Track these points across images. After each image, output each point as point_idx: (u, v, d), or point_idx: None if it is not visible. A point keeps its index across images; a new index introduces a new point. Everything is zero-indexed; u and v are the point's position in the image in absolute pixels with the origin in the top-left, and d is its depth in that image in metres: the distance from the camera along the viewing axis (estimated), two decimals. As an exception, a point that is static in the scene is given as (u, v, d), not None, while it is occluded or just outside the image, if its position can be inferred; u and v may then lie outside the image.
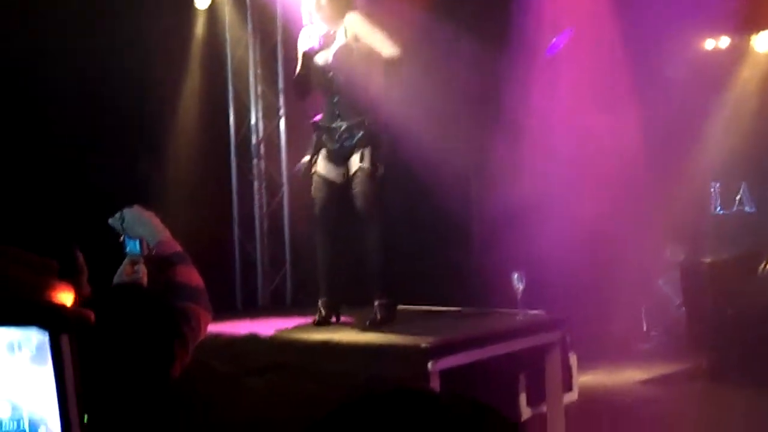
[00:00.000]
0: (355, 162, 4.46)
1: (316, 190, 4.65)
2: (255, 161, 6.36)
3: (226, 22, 6.26)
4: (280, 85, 6.26)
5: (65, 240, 2.01)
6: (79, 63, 5.12)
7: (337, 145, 4.53)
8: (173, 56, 5.92)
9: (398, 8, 5.85)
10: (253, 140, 6.36)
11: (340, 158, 4.55)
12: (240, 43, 6.29)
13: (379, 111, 4.52)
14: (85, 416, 1.32)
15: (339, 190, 4.57)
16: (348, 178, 4.52)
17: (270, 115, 6.34)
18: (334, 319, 4.65)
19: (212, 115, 6.22)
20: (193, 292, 2.06)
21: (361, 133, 4.47)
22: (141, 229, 2.24)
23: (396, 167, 5.16)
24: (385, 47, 4.41)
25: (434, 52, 5.94)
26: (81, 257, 2.00)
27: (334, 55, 4.47)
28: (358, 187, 4.45)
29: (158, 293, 1.95)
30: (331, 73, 4.51)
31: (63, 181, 5.10)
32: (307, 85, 4.64)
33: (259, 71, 6.29)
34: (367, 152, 4.46)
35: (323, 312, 4.63)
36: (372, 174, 4.45)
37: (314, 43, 4.57)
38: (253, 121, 6.36)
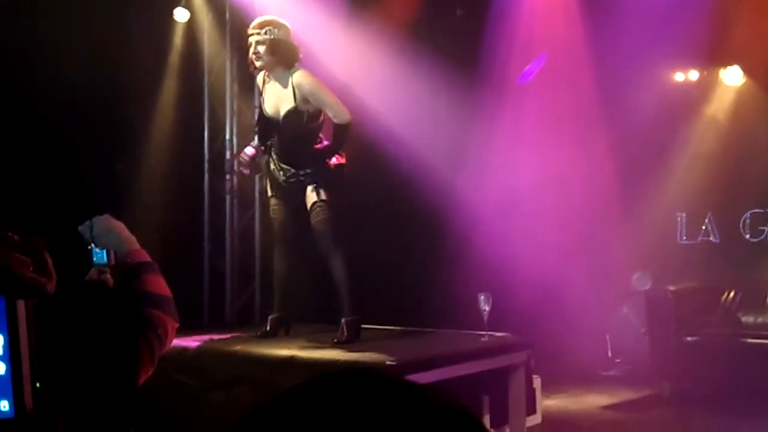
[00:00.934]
0: (311, 197, 4.60)
1: (274, 212, 4.88)
2: (228, 176, 6.37)
3: (205, 36, 6.30)
4: (256, 101, 6.29)
5: (35, 243, 2.02)
6: (56, 71, 5.13)
7: (286, 184, 4.71)
8: (151, 69, 5.94)
9: (378, 23, 5.95)
10: (227, 156, 6.37)
11: (292, 191, 4.72)
12: (217, 59, 6.32)
13: (323, 159, 4.64)
14: (37, 383, 1.33)
15: (295, 213, 4.71)
16: (305, 207, 4.62)
17: (245, 132, 6.37)
18: (283, 333, 4.79)
19: (187, 129, 6.24)
20: (161, 300, 2.08)
21: (308, 179, 4.65)
22: (110, 238, 2.25)
23: (360, 193, 5.25)
24: (336, 113, 4.53)
25: (407, 74, 6.03)
26: (50, 262, 2.02)
27: (284, 117, 4.58)
28: (318, 217, 4.57)
29: (125, 294, 1.96)
30: (279, 127, 4.63)
31: (34, 186, 5.09)
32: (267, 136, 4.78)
33: (235, 87, 6.32)
34: (318, 188, 4.62)
35: (269, 326, 4.75)
36: (329, 204, 4.59)
37: (264, 82, 4.71)
38: (227, 136, 6.38)
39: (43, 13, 5.16)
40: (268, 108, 4.67)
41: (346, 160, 4.75)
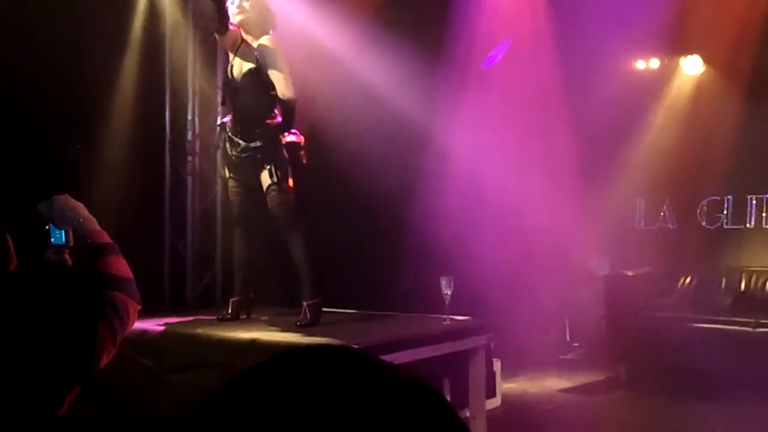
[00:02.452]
0: (265, 178, 4.56)
1: (233, 195, 4.83)
2: (189, 158, 6.31)
3: (166, 14, 6.21)
4: (219, 82, 6.23)
5: None
6: (14, 49, 5.03)
7: (237, 160, 4.66)
8: (111, 47, 5.85)
9: (343, 5, 5.92)
10: (189, 137, 6.31)
11: (246, 168, 4.66)
12: (179, 38, 6.24)
13: (275, 134, 4.59)
14: None
15: (254, 194, 4.66)
16: (261, 189, 4.60)
17: (206, 112, 6.30)
18: (244, 316, 4.78)
19: (148, 110, 6.15)
20: (122, 282, 2.07)
21: (259, 155, 4.58)
22: (69, 217, 2.23)
23: (323, 177, 5.24)
24: (282, 87, 4.50)
25: (371, 57, 6.02)
26: (11, 243, 1.99)
27: (243, 76, 4.56)
28: (274, 201, 4.55)
29: (84, 273, 1.94)
30: (235, 90, 4.59)
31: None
32: (226, 18, 4.61)
33: (197, 67, 6.25)
34: (272, 169, 4.56)
35: (231, 309, 4.75)
36: (283, 187, 4.56)
37: (238, 44, 4.63)
38: (189, 117, 6.31)
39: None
40: (234, 70, 4.65)
41: (305, 140, 4.73)
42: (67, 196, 2.27)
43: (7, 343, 1.58)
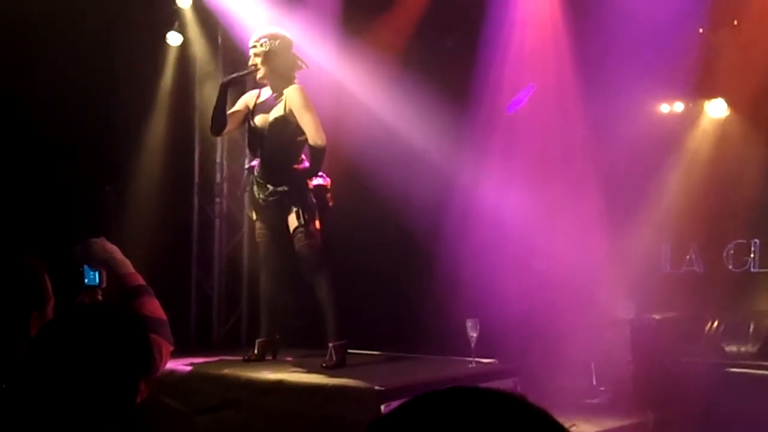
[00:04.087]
0: (292, 221, 4.61)
1: (259, 236, 4.90)
2: (217, 200, 6.39)
3: (197, 60, 6.34)
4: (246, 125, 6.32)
5: (35, 267, 2.03)
6: (50, 92, 5.15)
7: (264, 203, 4.72)
8: (143, 91, 5.98)
9: (369, 51, 6.01)
10: (217, 179, 6.39)
11: (273, 211, 4.72)
12: (209, 81, 6.36)
13: (302, 179, 4.66)
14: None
15: (280, 236, 4.71)
16: (288, 231, 4.64)
17: (234, 155, 6.39)
18: (269, 357, 4.80)
19: (177, 152, 6.26)
20: (157, 323, 2.10)
21: (286, 199, 4.66)
22: (105, 260, 2.27)
23: (349, 219, 5.29)
24: (312, 134, 4.57)
25: (396, 102, 6.09)
26: (49, 285, 2.03)
27: (270, 124, 4.63)
28: (300, 242, 4.59)
29: (127, 316, 1.97)
30: (264, 138, 4.67)
31: (22, 207, 5.09)
32: (224, 118, 4.78)
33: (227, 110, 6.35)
34: (299, 212, 4.61)
35: (257, 349, 4.75)
36: (310, 230, 4.60)
37: (258, 97, 4.75)
38: (218, 159, 6.40)
39: (37, 33, 5.19)
40: (258, 120, 4.73)
41: (331, 183, 4.78)
42: (104, 239, 2.32)
43: (54, 387, 1.61)
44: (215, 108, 4.78)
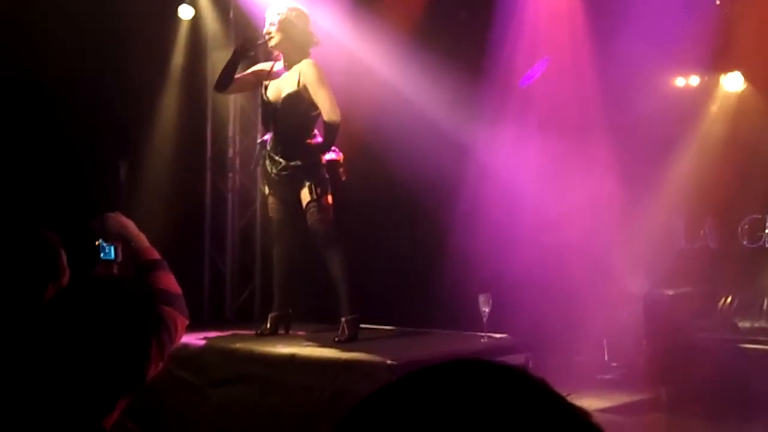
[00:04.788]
0: (305, 195, 4.60)
1: (272, 211, 4.89)
2: (230, 175, 6.39)
3: (209, 34, 6.31)
4: (258, 100, 6.31)
5: (51, 240, 2.05)
6: (60, 69, 5.14)
7: (277, 178, 4.69)
8: (155, 65, 5.96)
9: (382, 23, 5.97)
10: (230, 153, 6.39)
11: (285, 186, 4.70)
12: (220, 56, 6.33)
13: (315, 153, 4.63)
14: None
15: (293, 211, 4.70)
16: (301, 205, 4.64)
17: (247, 130, 6.38)
18: (282, 332, 4.80)
19: (190, 127, 6.26)
20: (172, 297, 2.11)
21: (299, 173, 4.64)
22: (120, 234, 2.28)
23: (362, 193, 5.27)
24: (327, 110, 4.54)
25: (410, 75, 6.05)
26: (64, 255, 2.04)
27: (283, 99, 4.61)
28: (313, 217, 4.59)
29: (143, 290, 1.98)
30: (275, 112, 4.64)
31: (38, 184, 5.11)
32: (230, 79, 4.76)
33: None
34: (312, 186, 4.60)
35: (269, 325, 4.76)
36: (323, 204, 4.60)
37: (271, 70, 4.72)
38: (230, 134, 6.39)
39: (48, 9, 5.17)
40: (270, 94, 4.71)
41: (344, 158, 4.77)
42: (119, 213, 2.33)
43: (61, 353, 1.62)
44: (225, 66, 4.77)
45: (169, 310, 2.05)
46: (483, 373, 0.72)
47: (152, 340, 1.83)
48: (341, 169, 4.75)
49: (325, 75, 4.59)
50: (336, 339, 4.47)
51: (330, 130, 4.57)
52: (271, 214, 4.92)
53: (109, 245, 2.32)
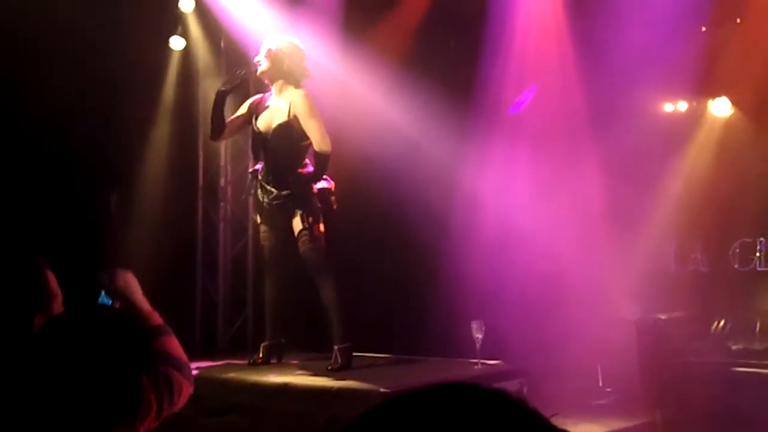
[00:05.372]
0: (297, 224, 4.61)
1: (264, 240, 4.90)
2: (222, 204, 6.39)
3: (200, 64, 6.34)
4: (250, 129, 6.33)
5: (34, 267, 2.02)
6: (52, 97, 5.16)
7: (268, 207, 4.69)
8: (146, 95, 5.98)
9: (373, 52, 6.02)
10: (221, 182, 6.40)
11: (277, 215, 4.72)
12: (213, 86, 6.35)
13: (306, 183, 4.65)
14: None
15: (285, 240, 4.71)
16: (293, 234, 4.65)
17: (238, 159, 6.40)
18: (275, 361, 4.78)
19: (182, 156, 6.27)
20: (179, 362, 2.09)
21: (290, 202, 4.66)
22: (124, 295, 2.24)
23: (354, 220, 5.28)
24: (318, 141, 4.58)
25: (400, 103, 6.09)
26: (54, 282, 2.02)
27: (274, 129, 4.64)
28: (305, 245, 4.60)
29: (136, 327, 1.95)
30: (266, 142, 4.67)
31: (29, 213, 5.10)
32: (221, 124, 4.82)
33: (230, 115, 6.35)
34: (304, 215, 4.61)
35: (261, 354, 4.74)
36: (314, 233, 4.60)
37: (261, 102, 4.76)
38: (221, 163, 6.40)
39: (40, 39, 5.19)
40: (261, 125, 4.74)
41: (335, 186, 4.78)
42: (130, 273, 2.29)
43: (49, 384, 1.61)
44: (212, 114, 4.81)
45: (176, 374, 2.03)
46: (464, 397, 0.74)
47: (151, 392, 1.81)
48: (333, 198, 4.77)
49: (315, 105, 4.63)
50: (329, 367, 4.46)
51: (321, 160, 4.60)
52: (263, 243, 4.93)
53: (110, 300, 2.30)
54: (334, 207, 4.77)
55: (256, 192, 4.81)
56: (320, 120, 4.60)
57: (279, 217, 4.72)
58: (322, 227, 4.66)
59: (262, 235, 4.93)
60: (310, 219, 4.60)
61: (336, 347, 4.54)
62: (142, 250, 5.45)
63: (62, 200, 5.30)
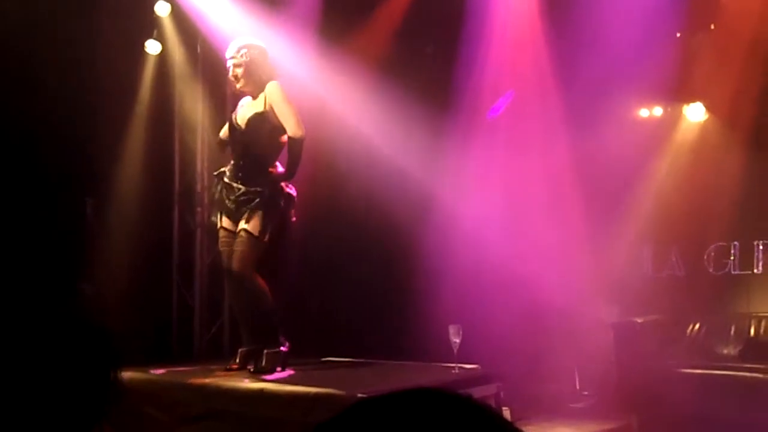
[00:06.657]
0: (241, 223, 4.56)
1: (222, 245, 4.79)
2: (198, 209, 6.36)
3: (176, 69, 6.32)
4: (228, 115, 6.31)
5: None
6: (26, 103, 5.11)
7: (233, 205, 4.64)
8: (122, 99, 5.95)
9: (350, 59, 6.02)
10: (198, 188, 6.37)
11: (240, 214, 4.65)
12: (188, 91, 6.34)
13: (278, 182, 4.62)
14: None
15: None
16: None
17: (215, 165, 6.36)
18: (251, 367, 4.70)
19: (158, 162, 6.23)
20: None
21: (257, 200, 4.58)
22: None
23: (331, 225, 5.26)
24: (291, 125, 4.55)
25: (378, 110, 6.10)
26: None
27: (248, 121, 4.62)
28: (238, 246, 4.53)
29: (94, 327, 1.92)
30: (240, 135, 4.66)
31: (8, 222, 5.04)
32: (224, 146, 4.95)
33: (206, 120, 6.34)
34: (257, 217, 4.55)
35: (238, 359, 4.74)
36: (254, 238, 4.55)
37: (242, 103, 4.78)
38: (198, 169, 6.37)
39: (13, 42, 5.15)
40: (239, 118, 4.74)
41: (297, 192, 4.75)
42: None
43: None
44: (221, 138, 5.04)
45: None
46: (425, 402, 0.74)
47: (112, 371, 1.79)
48: (292, 210, 4.74)
49: (287, 95, 4.63)
50: (251, 369, 4.50)
51: (294, 145, 4.56)
52: (221, 249, 4.79)
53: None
54: (293, 219, 4.74)
55: (221, 194, 4.75)
56: (294, 107, 4.61)
57: (239, 216, 4.64)
58: (267, 236, 4.60)
59: (220, 240, 4.78)
60: (262, 223, 4.55)
61: (265, 351, 4.58)
62: (118, 255, 5.41)
63: (37, 207, 5.25)
